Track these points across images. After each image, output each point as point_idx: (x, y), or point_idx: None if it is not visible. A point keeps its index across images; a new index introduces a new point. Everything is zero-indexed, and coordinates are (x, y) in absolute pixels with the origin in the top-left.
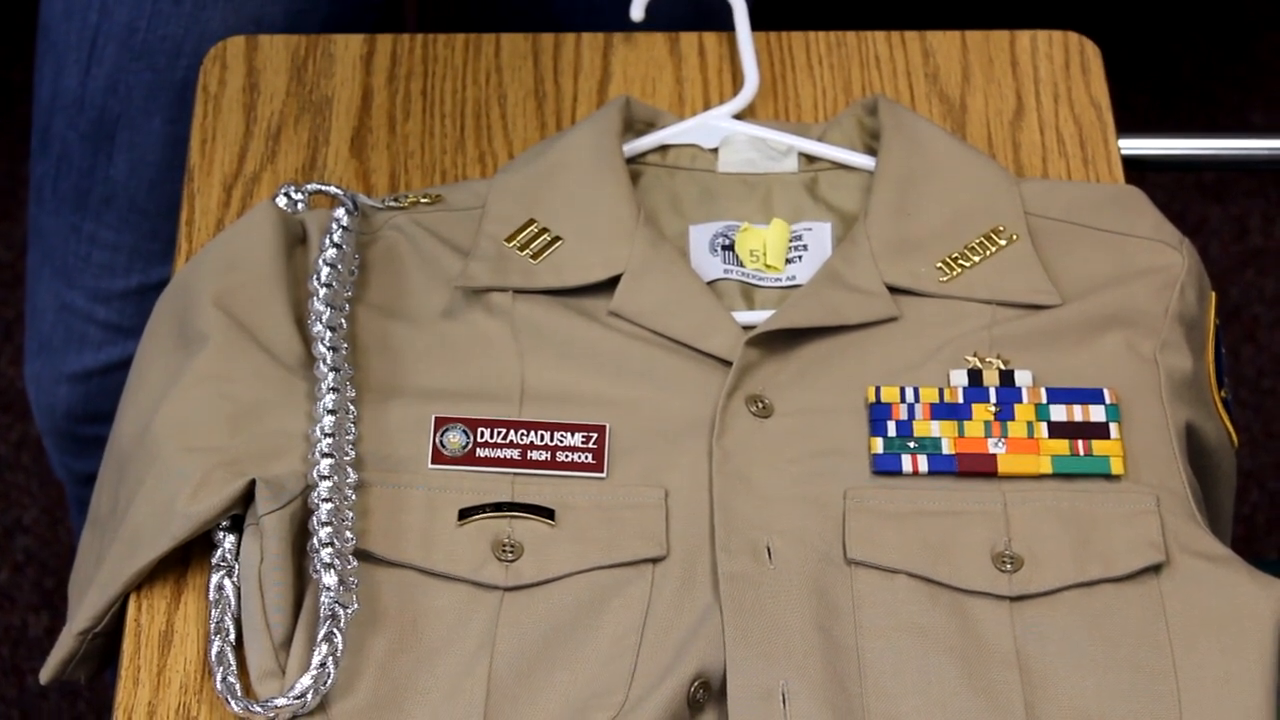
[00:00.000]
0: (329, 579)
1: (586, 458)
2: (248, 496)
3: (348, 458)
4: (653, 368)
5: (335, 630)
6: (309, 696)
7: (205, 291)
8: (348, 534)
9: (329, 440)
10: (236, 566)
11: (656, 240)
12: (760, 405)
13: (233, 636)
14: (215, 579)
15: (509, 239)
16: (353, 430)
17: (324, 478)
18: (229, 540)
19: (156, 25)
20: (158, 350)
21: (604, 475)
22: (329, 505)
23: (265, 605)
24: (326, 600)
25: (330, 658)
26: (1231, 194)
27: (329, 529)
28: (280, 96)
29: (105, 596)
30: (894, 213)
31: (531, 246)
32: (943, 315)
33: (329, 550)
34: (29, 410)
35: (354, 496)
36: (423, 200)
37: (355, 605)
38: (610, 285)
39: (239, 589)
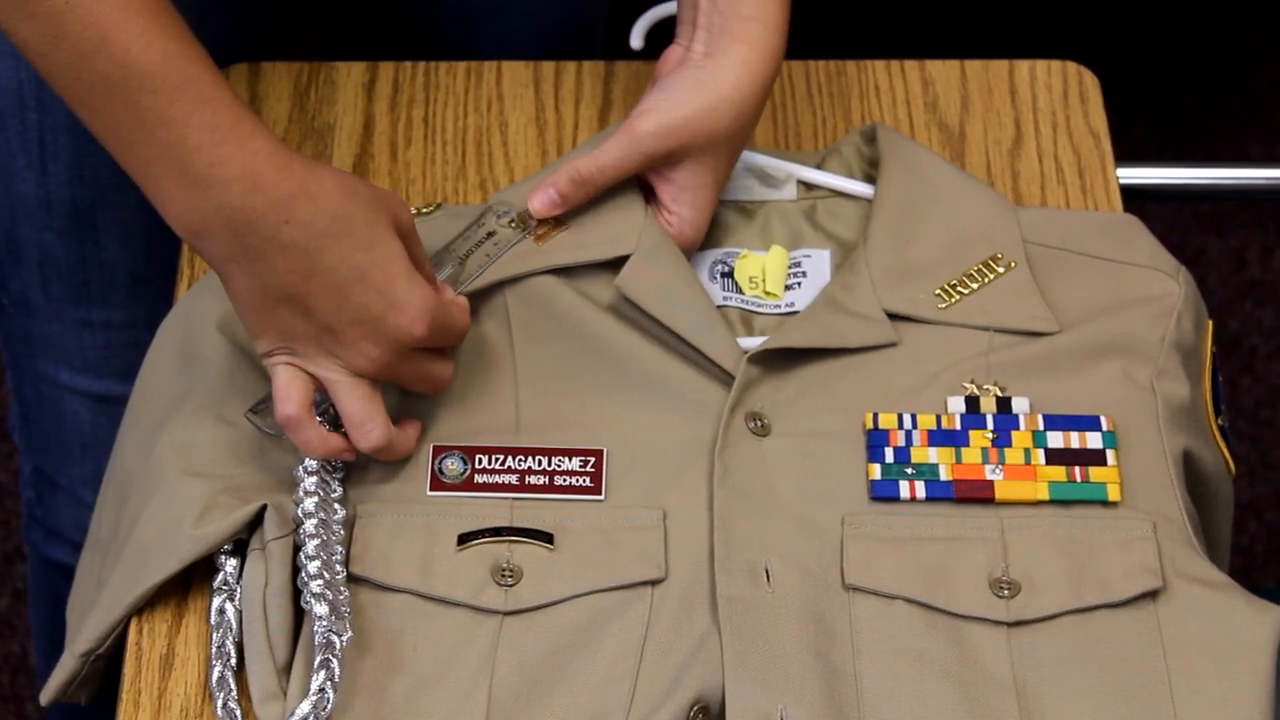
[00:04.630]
0: (320, 609)
1: (584, 481)
2: (252, 522)
3: (335, 493)
4: (650, 377)
5: (331, 657)
6: None
7: (209, 317)
8: (338, 566)
9: (313, 479)
10: (238, 590)
11: (664, 235)
12: (759, 423)
13: (234, 661)
14: (216, 603)
15: (512, 222)
16: (340, 464)
17: (309, 515)
18: (230, 564)
19: None
20: (161, 375)
21: (602, 498)
22: (315, 541)
23: (269, 629)
24: (320, 629)
25: (328, 683)
26: (1230, 226)
27: (318, 562)
28: (283, 123)
29: (109, 618)
30: (893, 240)
31: (535, 230)
32: (940, 342)
33: (319, 582)
34: None
35: (342, 531)
36: (424, 210)
37: (349, 633)
38: (613, 271)
39: (240, 613)
